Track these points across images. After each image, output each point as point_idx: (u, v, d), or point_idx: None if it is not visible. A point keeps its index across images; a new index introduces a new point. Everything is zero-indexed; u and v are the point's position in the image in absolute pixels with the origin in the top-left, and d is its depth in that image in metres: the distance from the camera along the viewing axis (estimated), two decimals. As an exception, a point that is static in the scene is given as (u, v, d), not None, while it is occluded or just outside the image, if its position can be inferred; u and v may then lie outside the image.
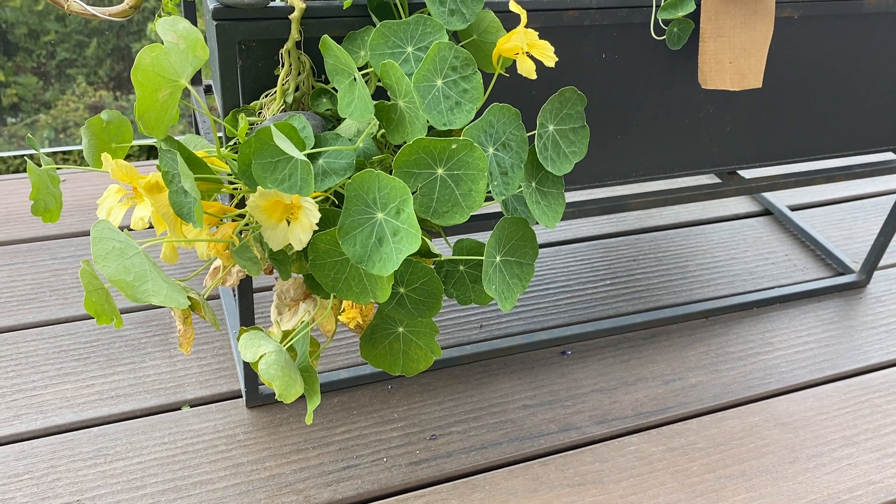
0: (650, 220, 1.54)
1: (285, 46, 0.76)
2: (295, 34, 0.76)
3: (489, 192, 0.70)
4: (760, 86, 0.98)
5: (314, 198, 0.73)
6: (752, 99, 1.05)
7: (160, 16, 0.75)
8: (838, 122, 1.14)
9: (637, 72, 0.96)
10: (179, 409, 1.04)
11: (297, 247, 0.69)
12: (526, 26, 0.83)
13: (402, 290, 0.72)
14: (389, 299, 0.73)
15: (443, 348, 1.17)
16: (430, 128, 0.74)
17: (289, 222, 0.69)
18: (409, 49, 0.70)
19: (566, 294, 1.32)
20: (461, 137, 0.66)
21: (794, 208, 1.62)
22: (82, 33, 1.83)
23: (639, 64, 0.95)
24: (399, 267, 0.71)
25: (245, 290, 0.93)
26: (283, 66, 0.78)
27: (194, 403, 1.05)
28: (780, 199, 1.64)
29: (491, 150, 0.70)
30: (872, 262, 1.39)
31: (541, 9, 0.85)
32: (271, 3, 0.75)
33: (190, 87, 0.61)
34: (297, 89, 0.80)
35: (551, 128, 0.78)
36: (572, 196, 1.38)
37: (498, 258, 0.75)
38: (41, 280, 1.23)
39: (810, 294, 1.37)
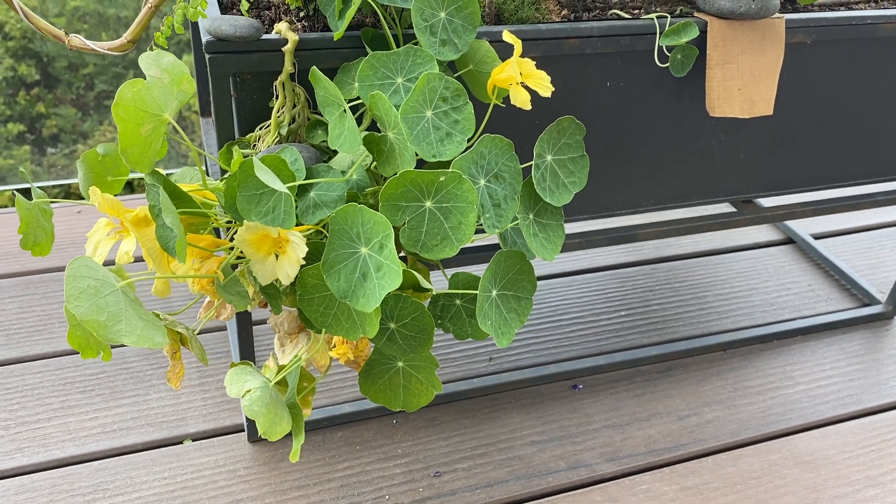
0: (668, 250, 1.51)
1: (279, 78, 0.76)
2: (288, 66, 0.75)
3: (480, 224, 0.69)
4: (771, 113, 0.95)
5: (306, 231, 0.72)
6: (765, 126, 1.02)
7: (152, 49, 0.75)
8: (857, 148, 1.10)
9: (644, 100, 0.94)
10: (181, 442, 1.03)
11: (285, 281, 0.67)
12: (526, 56, 0.82)
13: (392, 325, 0.70)
14: (381, 335, 0.71)
15: (450, 382, 1.14)
16: (421, 160, 0.72)
17: (277, 256, 0.68)
18: (399, 80, 0.68)
19: (579, 326, 1.29)
20: (450, 170, 0.64)
21: (817, 237, 1.58)
22: (119, 65, 1.87)
23: (645, 92, 0.93)
24: (389, 302, 0.69)
25: (243, 324, 0.91)
26: (277, 98, 0.77)
27: (196, 437, 1.04)
28: (803, 227, 1.59)
29: (482, 182, 0.68)
30: (899, 293, 1.34)
31: (540, 38, 0.84)
32: (264, 36, 0.75)
33: (173, 122, 0.61)
34: (292, 121, 0.79)
35: (549, 158, 0.76)
36: (580, 226, 1.36)
37: (494, 292, 0.73)
38: (51, 311, 1.23)
39: (834, 326, 1.33)
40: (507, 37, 0.70)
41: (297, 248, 0.66)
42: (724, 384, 1.19)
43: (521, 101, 0.71)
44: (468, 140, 0.69)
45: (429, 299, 0.77)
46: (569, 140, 0.78)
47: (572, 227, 1.36)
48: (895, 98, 1.06)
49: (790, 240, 1.57)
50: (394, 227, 0.67)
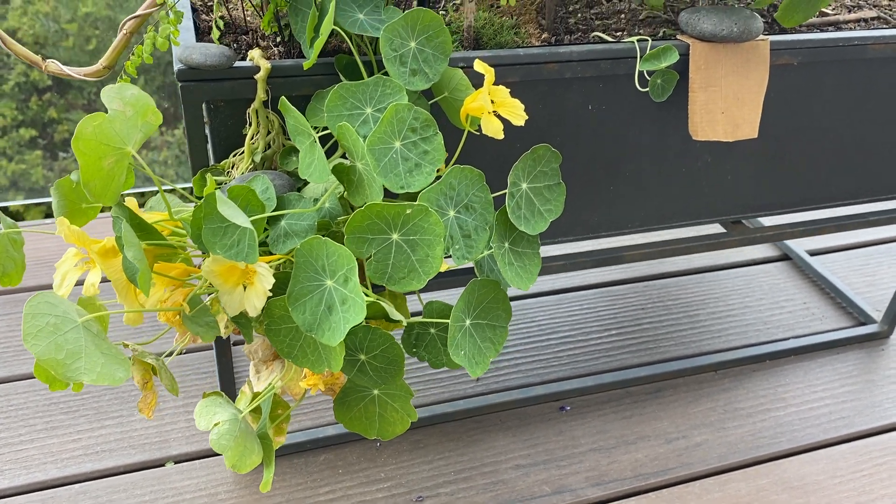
0: (661, 267, 1.49)
1: (252, 106, 0.75)
2: (261, 94, 0.75)
3: (450, 255, 0.68)
4: (756, 136, 0.94)
5: (277, 260, 0.71)
6: (753, 147, 1.01)
7: (122, 78, 0.75)
8: (849, 168, 1.09)
9: (627, 122, 0.93)
10: (163, 465, 1.03)
11: (252, 313, 0.67)
12: (505, 80, 0.81)
13: (362, 356, 0.69)
14: (351, 366, 0.70)
15: (435, 403, 1.14)
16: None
17: (245, 287, 0.67)
18: (369, 110, 0.68)
19: (569, 345, 1.28)
20: (417, 202, 0.64)
21: (813, 253, 1.56)
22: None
23: (628, 114, 0.92)
24: (358, 333, 0.69)
25: (222, 349, 0.91)
26: (250, 125, 0.77)
27: (179, 460, 1.03)
28: (799, 243, 1.58)
29: (452, 214, 0.68)
30: None
31: (519, 63, 0.83)
32: (237, 63, 0.75)
33: (136, 155, 0.60)
34: (267, 147, 0.78)
35: (524, 186, 0.76)
36: (564, 248, 1.35)
37: (468, 322, 0.72)
38: (39, 330, 1.23)
39: (828, 345, 1.31)
40: (479, 66, 0.69)
41: (264, 279, 0.65)
42: (714, 406, 1.18)
43: (493, 130, 0.70)
44: (441, 168, 0.69)
45: (402, 329, 0.77)
46: (545, 168, 0.77)
47: (556, 249, 1.35)
48: (885, 118, 1.05)
49: (786, 256, 1.55)
50: (361, 259, 0.66)
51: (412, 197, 0.71)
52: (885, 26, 1.02)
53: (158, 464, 1.03)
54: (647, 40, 0.87)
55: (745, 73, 0.90)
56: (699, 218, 1.07)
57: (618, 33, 0.93)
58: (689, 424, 1.14)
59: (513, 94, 0.70)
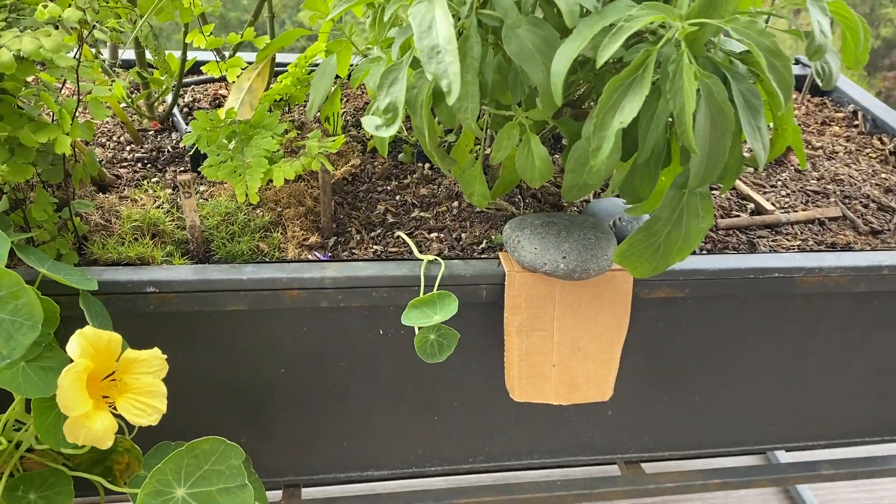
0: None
1: None
2: None
3: None
4: (607, 398, 0.67)
5: None
6: (640, 382, 0.74)
7: None
8: (787, 411, 0.80)
9: (437, 352, 0.68)
10: None
11: None
12: (228, 310, 0.57)
13: None
14: None
15: None
16: None
17: None
18: None
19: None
20: None
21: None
22: None
23: (437, 343, 0.68)
24: None
25: None
26: None
27: None
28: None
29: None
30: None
31: (240, 289, 0.60)
32: None
33: None
34: None
35: (181, 493, 0.53)
36: (372, 487, 1.04)
37: None
38: None
39: None
40: (72, 347, 0.47)
41: None
42: None
43: (92, 437, 0.47)
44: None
45: None
46: (217, 466, 0.54)
47: (359, 489, 1.04)
48: (833, 360, 0.76)
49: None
50: None
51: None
52: (837, 240, 0.73)
53: None
54: (440, 263, 0.61)
55: (591, 314, 0.64)
56: (575, 455, 0.82)
57: (433, 234, 0.68)
58: None
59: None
